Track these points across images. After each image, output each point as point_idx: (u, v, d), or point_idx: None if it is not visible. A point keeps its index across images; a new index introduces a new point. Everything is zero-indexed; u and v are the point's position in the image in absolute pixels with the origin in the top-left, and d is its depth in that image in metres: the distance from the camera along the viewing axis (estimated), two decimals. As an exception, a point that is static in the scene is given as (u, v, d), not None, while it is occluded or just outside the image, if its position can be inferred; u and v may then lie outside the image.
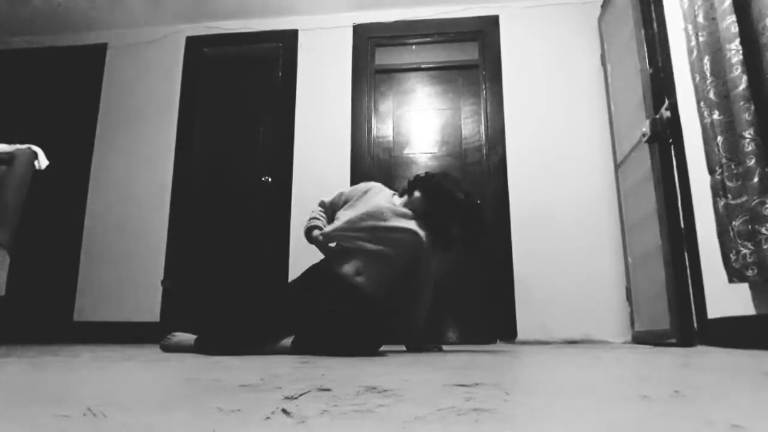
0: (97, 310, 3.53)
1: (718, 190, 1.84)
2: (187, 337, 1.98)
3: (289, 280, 3.15)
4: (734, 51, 1.77)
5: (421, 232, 2.08)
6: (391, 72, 3.84)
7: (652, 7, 2.64)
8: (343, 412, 0.56)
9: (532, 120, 3.48)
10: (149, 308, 3.48)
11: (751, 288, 1.88)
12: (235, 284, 3.49)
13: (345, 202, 2.21)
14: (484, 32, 3.69)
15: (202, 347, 1.87)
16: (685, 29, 2.07)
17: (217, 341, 1.83)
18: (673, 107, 2.43)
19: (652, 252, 2.59)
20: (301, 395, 0.68)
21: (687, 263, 2.36)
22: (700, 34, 1.94)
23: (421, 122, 3.74)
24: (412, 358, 1.63)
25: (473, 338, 3.29)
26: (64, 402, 0.65)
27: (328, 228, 2.08)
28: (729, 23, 1.80)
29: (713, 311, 2.17)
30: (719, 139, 1.82)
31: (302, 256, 3.32)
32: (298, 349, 1.75)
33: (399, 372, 1.05)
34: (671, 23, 2.46)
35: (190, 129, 3.80)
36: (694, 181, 2.29)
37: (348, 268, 1.98)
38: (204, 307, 3.45)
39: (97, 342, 3.23)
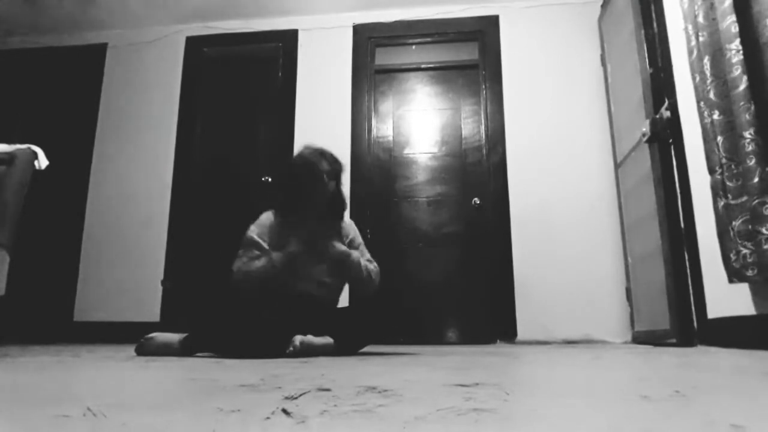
0: (97, 310, 3.53)
1: (718, 190, 1.84)
2: (169, 338, 1.82)
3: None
4: (734, 51, 1.77)
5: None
6: (391, 72, 3.84)
7: (652, 7, 2.64)
8: (343, 412, 0.56)
9: (532, 120, 3.48)
10: (149, 308, 3.47)
11: (751, 288, 1.88)
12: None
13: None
14: (484, 32, 3.69)
15: (194, 346, 1.79)
16: (685, 29, 2.07)
17: (216, 341, 1.81)
18: (673, 107, 2.43)
19: (652, 252, 2.59)
20: (301, 395, 0.68)
21: (687, 263, 2.36)
22: (700, 34, 1.94)
23: (421, 122, 3.74)
24: (412, 358, 1.63)
25: (473, 338, 3.29)
26: (64, 402, 0.65)
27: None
28: (729, 23, 1.80)
29: (713, 311, 2.17)
30: (719, 139, 1.82)
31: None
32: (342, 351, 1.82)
33: (399, 372, 1.05)
34: (671, 23, 2.46)
35: (190, 129, 3.80)
36: (694, 181, 2.29)
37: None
38: (203, 306, 3.44)
39: (97, 342, 3.23)
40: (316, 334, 1.78)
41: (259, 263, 1.94)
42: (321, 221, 2.05)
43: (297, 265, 1.97)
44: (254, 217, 2.13)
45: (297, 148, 3.57)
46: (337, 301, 2.13)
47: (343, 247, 2.03)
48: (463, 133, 3.67)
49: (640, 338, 2.84)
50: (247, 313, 1.84)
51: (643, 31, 2.63)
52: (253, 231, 2.04)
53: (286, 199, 2.06)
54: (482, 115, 3.62)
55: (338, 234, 2.08)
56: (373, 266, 2.09)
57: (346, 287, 2.21)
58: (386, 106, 3.80)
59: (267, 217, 2.09)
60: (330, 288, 2.06)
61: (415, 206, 3.58)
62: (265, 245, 1.99)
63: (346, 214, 2.18)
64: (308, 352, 1.70)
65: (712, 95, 1.86)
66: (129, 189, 3.73)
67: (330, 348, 1.77)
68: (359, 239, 2.17)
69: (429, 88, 3.80)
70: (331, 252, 1.99)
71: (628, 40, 2.84)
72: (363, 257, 2.08)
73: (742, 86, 1.74)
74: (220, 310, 1.92)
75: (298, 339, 1.70)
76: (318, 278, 2.01)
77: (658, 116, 2.49)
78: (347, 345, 1.85)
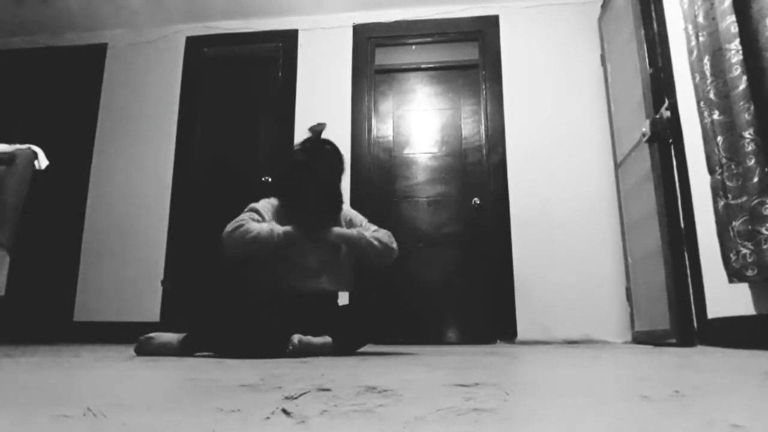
0: (97, 310, 3.53)
1: (718, 190, 1.84)
2: (168, 338, 1.82)
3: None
4: (734, 51, 1.77)
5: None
6: (391, 72, 3.84)
7: (652, 7, 2.64)
8: (343, 412, 0.56)
9: (532, 120, 3.48)
10: (149, 308, 3.47)
11: (751, 288, 1.88)
12: (234, 285, 3.49)
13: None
14: (484, 32, 3.69)
15: (193, 346, 1.79)
16: (685, 29, 2.07)
17: (216, 341, 1.81)
18: (673, 107, 2.43)
19: (652, 252, 2.59)
20: (301, 395, 0.68)
21: (687, 263, 2.36)
22: (700, 34, 1.94)
23: (421, 122, 3.74)
24: (412, 358, 1.63)
25: (473, 338, 3.29)
26: (64, 402, 0.65)
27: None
28: (729, 23, 1.80)
29: (713, 311, 2.17)
30: (719, 139, 1.83)
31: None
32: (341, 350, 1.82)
33: (399, 372, 1.05)
34: (671, 23, 2.46)
35: (190, 129, 3.80)
36: (694, 181, 2.29)
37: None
38: (202, 306, 3.44)
39: (97, 342, 3.23)
40: (315, 335, 1.78)
41: (260, 225, 1.92)
42: (320, 214, 2.04)
43: (295, 257, 1.95)
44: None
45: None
46: (344, 287, 2.10)
47: (341, 230, 2.03)
48: (463, 133, 3.67)
49: (640, 338, 2.84)
50: (247, 313, 1.84)
51: (643, 31, 2.63)
52: (256, 204, 2.05)
53: (289, 184, 2.07)
54: (482, 115, 3.62)
55: (336, 222, 2.08)
56: (382, 233, 2.07)
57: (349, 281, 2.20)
58: (386, 106, 3.80)
59: (267, 200, 2.10)
60: (330, 279, 2.03)
61: (415, 206, 3.58)
62: (268, 216, 2.00)
63: (345, 205, 2.18)
64: (307, 351, 1.71)
65: (712, 95, 1.86)
66: (129, 189, 3.73)
67: (329, 348, 1.77)
68: (360, 217, 2.17)
69: (429, 88, 3.80)
70: (329, 237, 1.99)
71: (628, 40, 2.84)
72: (368, 231, 2.07)
73: (742, 86, 1.74)
74: (219, 310, 1.92)
75: (296, 337, 1.70)
76: (318, 268, 1.99)
77: (658, 116, 2.49)
78: (346, 344, 1.85)
